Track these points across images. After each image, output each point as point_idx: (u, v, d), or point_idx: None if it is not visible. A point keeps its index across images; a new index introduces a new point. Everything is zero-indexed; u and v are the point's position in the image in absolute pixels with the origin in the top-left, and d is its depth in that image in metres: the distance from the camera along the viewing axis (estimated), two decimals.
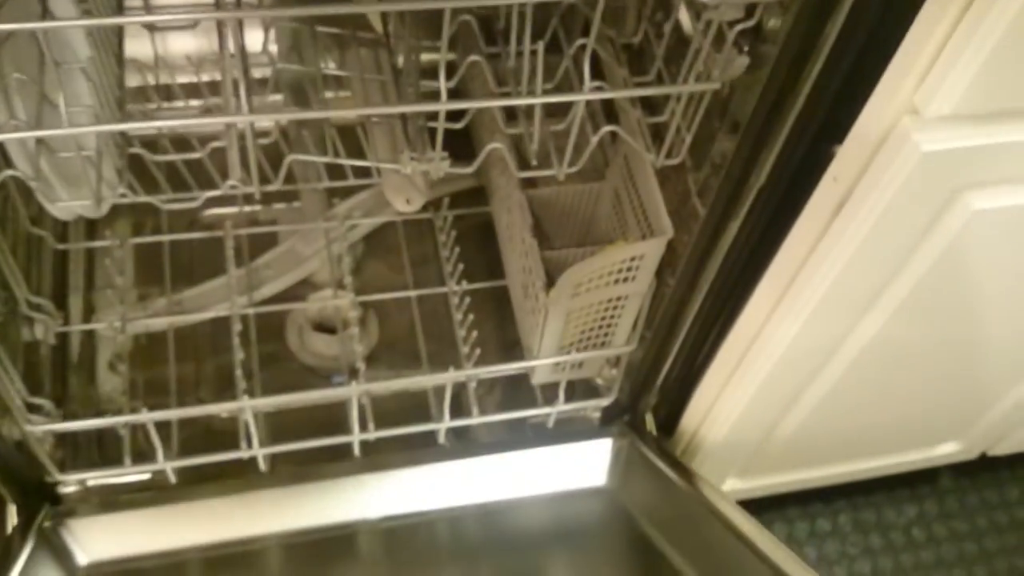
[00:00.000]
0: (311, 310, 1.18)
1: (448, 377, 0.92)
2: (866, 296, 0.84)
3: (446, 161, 0.74)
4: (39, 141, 0.71)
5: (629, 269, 0.92)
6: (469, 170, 0.77)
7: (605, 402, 1.10)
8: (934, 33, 0.61)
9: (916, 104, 0.65)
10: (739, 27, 0.68)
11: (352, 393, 0.92)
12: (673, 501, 0.99)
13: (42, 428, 0.87)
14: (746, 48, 0.72)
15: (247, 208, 1.22)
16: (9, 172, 0.80)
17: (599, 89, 0.70)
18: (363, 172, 1.15)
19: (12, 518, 0.95)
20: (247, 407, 0.88)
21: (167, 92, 1.09)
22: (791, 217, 0.79)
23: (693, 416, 1.07)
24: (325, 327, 1.18)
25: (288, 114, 0.80)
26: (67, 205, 0.92)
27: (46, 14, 0.75)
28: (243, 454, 0.95)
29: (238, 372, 0.98)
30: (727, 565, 0.91)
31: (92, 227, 1.17)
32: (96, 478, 0.95)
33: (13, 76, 0.69)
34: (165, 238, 1.16)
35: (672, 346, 0.99)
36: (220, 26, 0.71)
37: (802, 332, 0.89)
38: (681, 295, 0.93)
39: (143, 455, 0.97)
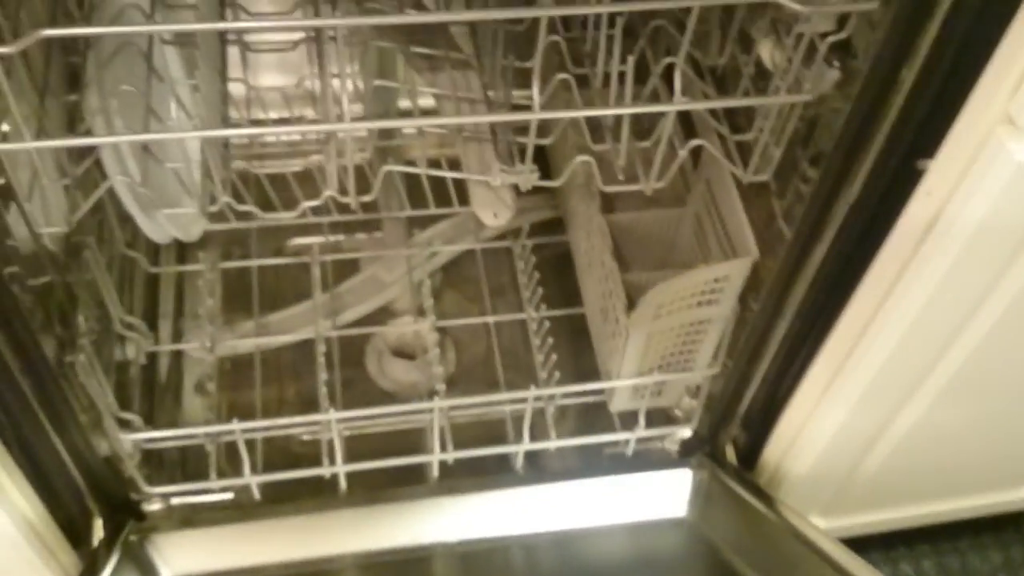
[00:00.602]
0: (390, 336, 1.20)
1: (528, 395, 0.92)
2: (959, 317, 0.82)
3: (535, 173, 0.75)
4: (144, 150, 0.74)
5: (712, 292, 0.91)
6: (557, 183, 0.77)
7: (685, 432, 1.09)
8: None
9: (1011, 113, 0.64)
10: (830, 39, 0.69)
11: (434, 407, 0.92)
12: (757, 530, 0.97)
13: (132, 437, 0.90)
14: (836, 63, 0.72)
15: (331, 238, 1.25)
16: (114, 181, 0.83)
17: (688, 102, 0.70)
18: (444, 201, 1.18)
19: (98, 532, 0.96)
20: (332, 419, 0.89)
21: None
22: (881, 236, 0.78)
23: (776, 448, 1.05)
24: (404, 353, 1.20)
25: (386, 123, 0.82)
26: (162, 228, 0.96)
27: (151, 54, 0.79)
28: (325, 470, 0.96)
29: (323, 389, 0.99)
30: None
31: (183, 252, 1.21)
32: (182, 493, 0.97)
33: (122, 88, 0.71)
34: (253, 263, 1.20)
35: (755, 375, 0.98)
36: (318, 43, 0.74)
37: (892, 357, 0.87)
38: (765, 321, 0.92)
39: (226, 476, 0.99)
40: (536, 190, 1.25)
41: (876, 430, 1.00)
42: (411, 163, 1.19)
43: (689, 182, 1.05)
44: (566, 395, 1.06)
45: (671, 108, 0.70)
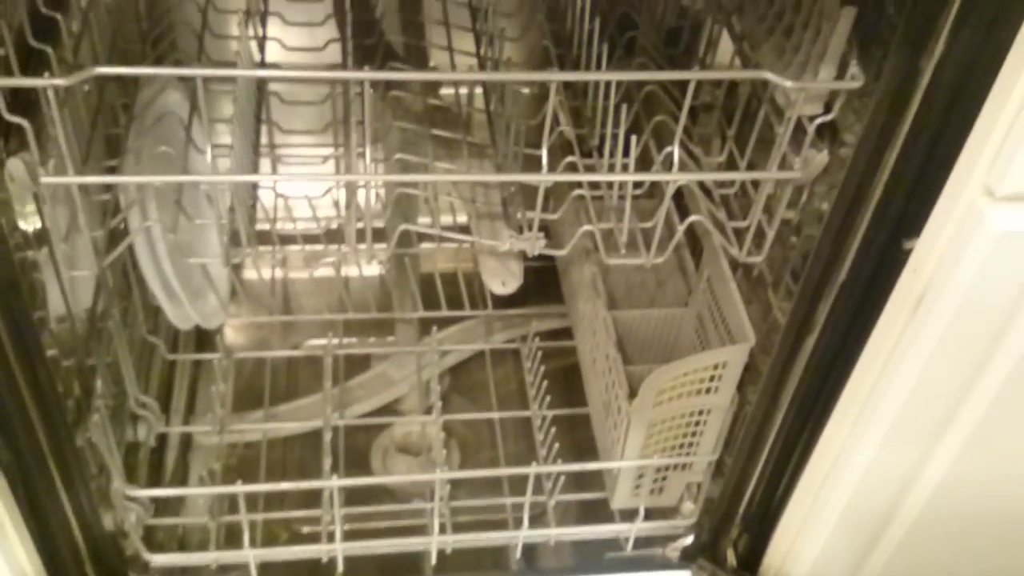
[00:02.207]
0: (397, 434, 1.22)
1: (529, 471, 0.93)
2: (949, 406, 0.84)
3: (541, 240, 0.79)
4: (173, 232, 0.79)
5: (712, 379, 0.94)
6: (562, 252, 0.82)
7: (686, 540, 1.08)
8: (1001, 115, 0.65)
9: (989, 185, 0.68)
10: (818, 121, 0.74)
11: (435, 478, 0.93)
12: None
13: (137, 493, 0.90)
14: (824, 146, 0.77)
15: (344, 339, 1.29)
16: (143, 267, 0.89)
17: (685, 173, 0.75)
18: (456, 306, 1.23)
19: None
20: (333, 486, 0.90)
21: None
22: (872, 317, 0.81)
23: (777, 551, 1.04)
24: (409, 451, 1.21)
25: (404, 176, 0.87)
26: (186, 314, 1.00)
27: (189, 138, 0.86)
28: (323, 548, 0.96)
29: (327, 465, 1.00)
30: None
31: (201, 342, 1.24)
32: (183, 563, 0.97)
33: (160, 149, 0.77)
34: (268, 354, 1.23)
35: (753, 471, 0.99)
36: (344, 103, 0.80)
37: (883, 448, 0.88)
38: (763, 411, 0.94)
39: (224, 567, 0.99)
40: (545, 297, 1.30)
41: (872, 533, 0.99)
42: (428, 275, 1.25)
43: (691, 284, 1.09)
44: (567, 490, 1.07)
45: (670, 178, 0.75)
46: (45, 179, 0.68)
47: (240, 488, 0.89)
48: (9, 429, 0.80)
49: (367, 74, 0.65)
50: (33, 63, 0.76)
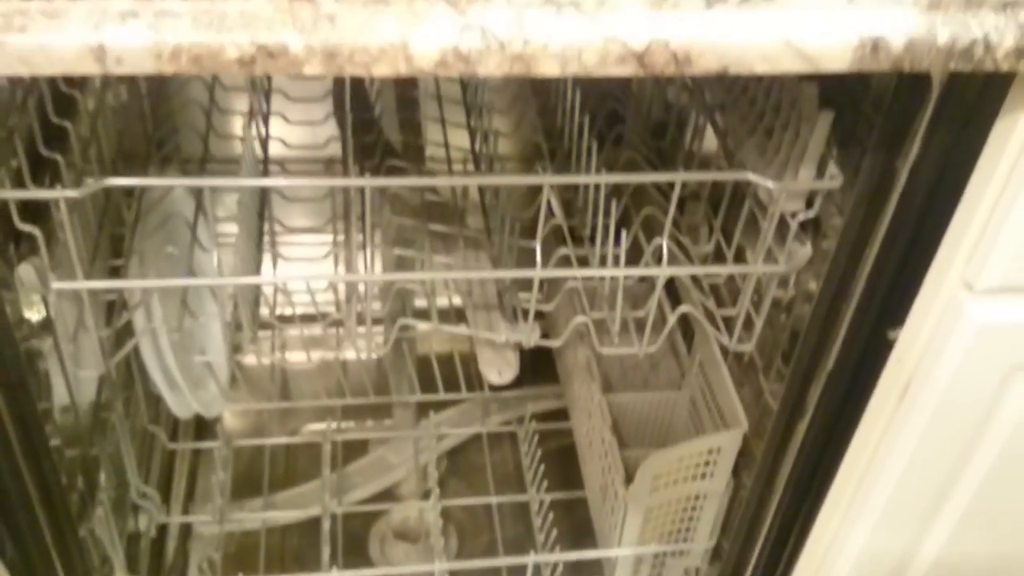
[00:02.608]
0: (395, 520, 1.22)
1: (528, 560, 0.94)
2: (936, 492, 0.86)
3: (536, 331, 0.81)
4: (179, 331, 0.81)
5: (707, 464, 0.95)
6: (557, 343, 0.84)
7: None
8: (977, 212, 0.68)
9: (968, 279, 0.71)
10: (800, 217, 0.77)
11: (435, 569, 0.94)
12: None
13: None
14: (807, 240, 0.80)
15: (343, 424, 1.30)
16: (147, 362, 0.90)
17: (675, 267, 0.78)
18: (453, 388, 1.24)
19: None
20: None
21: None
22: (860, 404, 0.83)
23: None
24: (407, 538, 1.21)
25: (401, 275, 0.89)
26: (187, 404, 1.02)
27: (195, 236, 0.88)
28: None
29: (325, 556, 1.01)
30: None
31: (201, 431, 1.26)
32: None
33: (166, 250, 0.80)
34: (267, 441, 1.24)
35: (751, 556, 0.99)
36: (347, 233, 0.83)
37: (875, 533, 0.89)
38: (759, 495, 0.95)
39: None
40: (541, 379, 1.32)
41: None
42: (425, 357, 1.27)
43: (684, 367, 1.11)
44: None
45: (659, 272, 0.78)
46: (56, 285, 0.70)
47: None
48: (14, 523, 0.81)
49: (368, 180, 0.68)
50: (42, 170, 0.79)
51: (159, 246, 0.83)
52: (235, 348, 0.95)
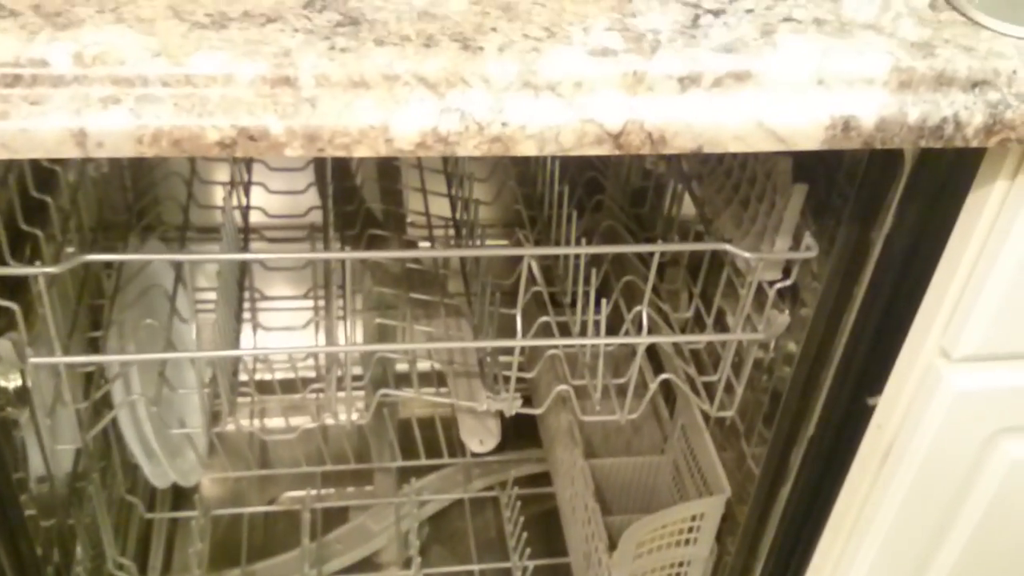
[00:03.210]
0: None
1: None
2: (919, 557, 0.86)
3: (518, 400, 0.81)
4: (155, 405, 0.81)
5: (691, 530, 0.95)
6: (539, 411, 0.84)
7: None
8: (952, 281, 0.69)
9: (945, 347, 0.72)
10: (777, 286, 0.78)
11: None
12: None
13: None
14: (785, 309, 0.81)
15: (323, 491, 1.28)
16: (126, 434, 0.89)
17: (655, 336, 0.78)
18: (434, 453, 1.23)
19: None
20: None
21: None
22: (842, 469, 0.83)
23: None
24: None
25: (381, 347, 0.89)
26: (165, 474, 1.01)
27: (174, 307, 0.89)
28: None
29: None
30: None
31: (178, 500, 1.24)
32: None
33: (145, 322, 0.79)
34: (245, 511, 1.23)
35: None
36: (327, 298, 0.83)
37: None
38: (743, 561, 0.95)
39: None
40: (524, 443, 1.31)
41: None
42: (406, 421, 1.27)
43: (666, 431, 1.11)
44: None
45: (640, 341, 0.78)
46: (33, 360, 0.70)
47: None
48: None
49: (348, 253, 0.69)
50: (22, 244, 0.79)
51: (138, 318, 0.83)
52: (214, 418, 0.95)
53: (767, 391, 0.91)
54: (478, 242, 0.92)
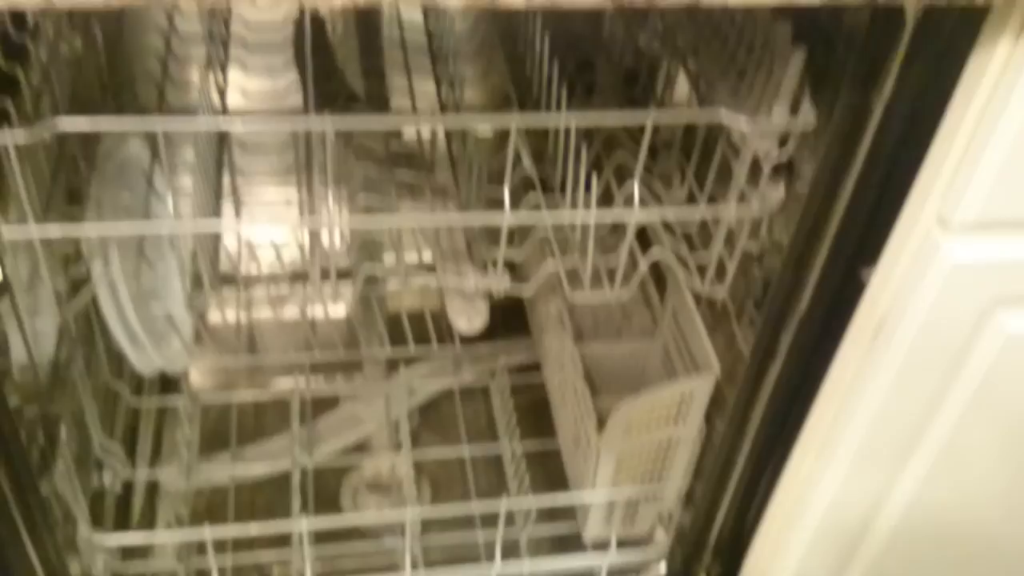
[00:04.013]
0: (367, 473, 1.21)
1: (500, 505, 0.94)
2: (910, 434, 0.86)
3: (507, 278, 0.80)
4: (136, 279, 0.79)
5: (679, 410, 0.95)
6: (528, 291, 0.83)
7: (658, 569, 1.09)
8: (952, 147, 0.67)
9: (943, 216, 0.70)
10: (774, 158, 0.76)
11: (407, 515, 0.93)
12: None
13: (106, 539, 0.90)
14: (781, 182, 0.79)
15: (312, 380, 1.28)
16: (106, 313, 0.88)
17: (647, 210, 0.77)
18: (424, 342, 1.23)
19: None
20: (303, 527, 0.90)
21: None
22: (832, 346, 0.83)
23: (753, 571, 1.04)
24: (380, 491, 1.21)
25: (366, 218, 0.87)
26: (150, 359, 1.00)
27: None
28: None
29: (296, 507, 0.99)
30: None
31: (166, 382, 1.23)
32: None
33: (122, 197, 0.77)
34: (234, 396, 1.22)
35: (723, 499, 0.99)
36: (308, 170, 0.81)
37: (849, 474, 0.89)
38: (731, 440, 0.95)
39: None
40: (513, 333, 1.31)
41: (842, 558, 1.00)
42: (395, 315, 1.26)
43: (656, 316, 1.10)
44: (539, 524, 1.07)
45: (631, 215, 0.76)
46: (7, 232, 0.68)
47: (208, 532, 0.88)
48: None
49: (329, 121, 0.66)
50: None
51: (115, 195, 0.81)
52: (199, 308, 0.93)
53: (757, 279, 0.90)
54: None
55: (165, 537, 0.99)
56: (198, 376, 1.30)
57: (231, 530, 0.95)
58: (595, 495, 0.98)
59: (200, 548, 1.09)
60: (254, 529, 0.95)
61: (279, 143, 1.03)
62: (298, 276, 1.19)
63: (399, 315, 1.22)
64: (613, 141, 0.91)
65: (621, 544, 1.06)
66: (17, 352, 0.86)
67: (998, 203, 0.69)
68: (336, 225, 0.82)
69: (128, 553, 1.07)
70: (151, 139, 0.91)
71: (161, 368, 1.04)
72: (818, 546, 0.97)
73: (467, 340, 1.28)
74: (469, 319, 0.86)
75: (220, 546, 1.08)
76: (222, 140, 0.95)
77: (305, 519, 0.91)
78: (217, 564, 0.92)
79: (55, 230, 0.69)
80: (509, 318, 1.33)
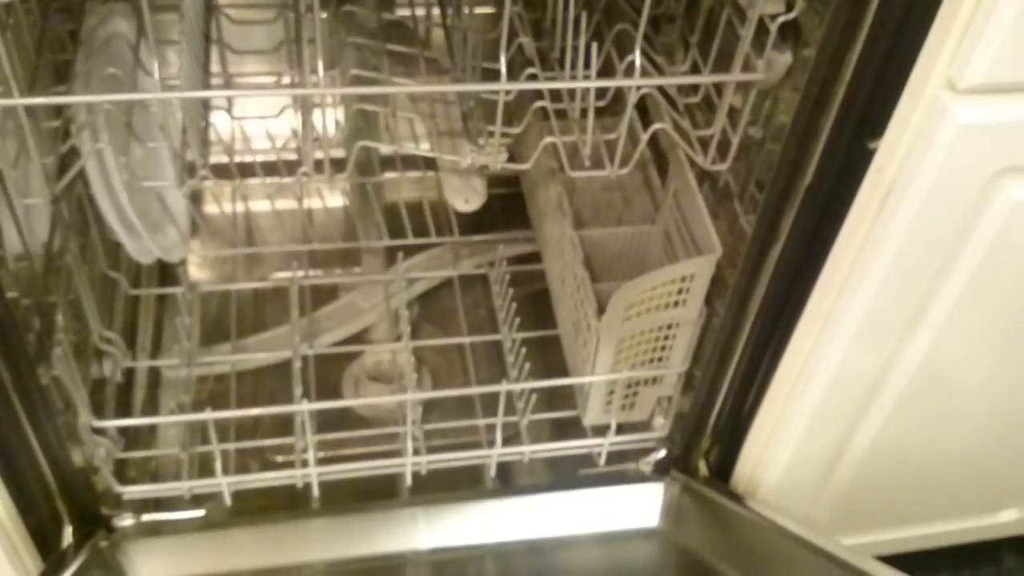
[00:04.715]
0: (368, 363, 1.21)
1: (500, 388, 0.94)
2: (914, 306, 0.85)
3: (504, 153, 0.78)
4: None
5: (680, 292, 0.94)
6: (526, 166, 0.81)
7: (659, 453, 1.09)
8: (962, 7, 0.65)
9: (952, 77, 0.68)
10: (780, 19, 0.73)
11: (407, 399, 0.93)
12: (731, 530, 0.97)
13: (107, 424, 0.90)
14: (788, 50, 0.76)
15: (311, 272, 1.27)
16: (99, 198, 0.86)
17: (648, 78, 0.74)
18: (422, 234, 1.22)
19: (67, 538, 0.96)
20: (304, 410, 0.90)
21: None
22: (837, 221, 0.81)
23: (747, 460, 1.05)
24: (381, 380, 1.21)
25: (358, 89, 0.85)
26: (146, 248, 0.99)
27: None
28: (297, 473, 0.96)
29: (297, 392, 0.99)
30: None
31: (164, 274, 1.23)
32: (155, 494, 0.96)
33: (108, 71, 0.75)
34: (233, 287, 1.22)
35: (723, 382, 0.99)
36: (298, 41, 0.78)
37: (850, 352, 0.89)
38: (731, 322, 0.94)
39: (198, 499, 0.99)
40: (513, 224, 1.30)
41: (842, 436, 1.01)
42: (392, 205, 1.24)
43: (658, 201, 1.09)
44: (539, 411, 1.07)
45: (632, 83, 0.74)
46: None
47: (209, 415, 0.89)
48: None
49: None
50: None
51: (102, 68, 0.78)
52: (191, 192, 0.92)
53: (759, 161, 0.88)
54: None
55: (165, 420, 0.99)
56: (196, 269, 1.29)
57: (233, 414, 0.95)
58: (595, 378, 0.97)
59: (203, 436, 1.10)
60: (255, 412, 0.94)
61: (267, 17, 0.99)
62: (293, 165, 1.18)
63: (397, 206, 1.20)
64: (613, 12, 0.88)
65: (620, 429, 1.06)
66: (11, 241, 0.85)
67: (1007, 66, 0.67)
68: (328, 98, 0.80)
69: (131, 442, 1.07)
70: (137, 16, 0.88)
71: (158, 257, 1.03)
72: (818, 425, 0.98)
73: (466, 230, 1.28)
74: (466, 199, 0.84)
75: (223, 433, 1.09)
76: (209, 13, 0.91)
77: (307, 402, 0.91)
78: (220, 449, 0.92)
79: (40, 99, 0.67)
80: (508, 209, 1.32)
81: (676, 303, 0.95)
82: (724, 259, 0.95)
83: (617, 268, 1.11)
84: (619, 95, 0.82)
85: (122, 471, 1.03)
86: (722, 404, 1.01)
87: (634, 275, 1.11)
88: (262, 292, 1.27)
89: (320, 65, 0.72)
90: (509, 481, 1.09)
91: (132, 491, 0.95)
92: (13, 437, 0.86)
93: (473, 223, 1.25)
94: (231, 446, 1.05)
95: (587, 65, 0.80)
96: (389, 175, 1.25)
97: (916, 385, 0.94)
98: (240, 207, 1.32)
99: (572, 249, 1.02)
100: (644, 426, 1.09)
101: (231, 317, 1.21)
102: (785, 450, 1.01)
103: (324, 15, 0.92)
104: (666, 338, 0.98)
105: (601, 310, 0.95)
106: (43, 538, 0.93)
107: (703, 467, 1.08)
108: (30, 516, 0.91)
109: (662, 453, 1.10)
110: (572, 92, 0.81)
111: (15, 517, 0.89)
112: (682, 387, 1.05)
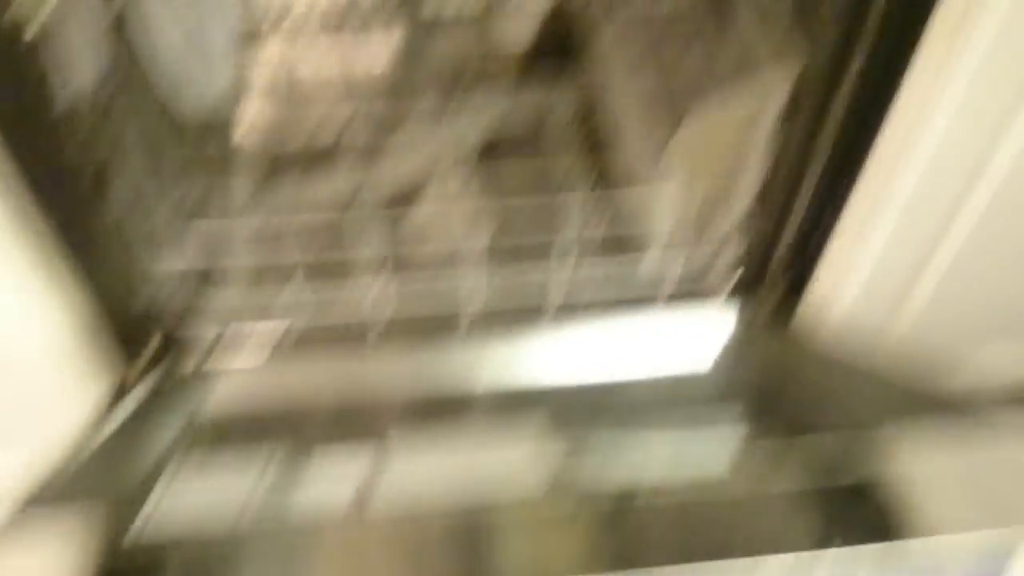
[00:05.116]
0: (425, 212, 1.19)
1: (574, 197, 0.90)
2: (991, 131, 0.81)
3: None
4: None
5: (752, 117, 0.90)
6: None
7: (730, 275, 1.06)
8: None
9: None
10: None
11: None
12: (798, 361, 0.96)
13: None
14: None
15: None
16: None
17: None
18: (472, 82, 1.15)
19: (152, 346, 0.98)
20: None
21: None
22: (919, 25, 0.77)
23: (823, 282, 1.02)
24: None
25: None
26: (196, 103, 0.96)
27: None
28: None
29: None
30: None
31: (215, 135, 1.20)
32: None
33: None
34: (282, 148, 1.19)
35: (796, 200, 0.96)
36: None
37: (925, 177, 0.86)
38: (806, 137, 0.90)
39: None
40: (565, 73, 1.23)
41: (913, 267, 0.98)
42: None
43: (727, 23, 1.03)
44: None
45: None
46: None
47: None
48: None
49: None
50: None
51: None
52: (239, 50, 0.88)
53: None
54: None
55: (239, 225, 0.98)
56: (245, 127, 1.27)
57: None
58: (666, 193, 0.94)
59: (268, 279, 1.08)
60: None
61: None
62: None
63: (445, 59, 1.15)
64: None
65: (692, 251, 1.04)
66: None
67: None
68: None
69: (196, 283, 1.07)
70: None
71: (207, 111, 1.01)
72: (895, 246, 0.94)
73: (518, 80, 1.23)
74: (515, 34, 0.80)
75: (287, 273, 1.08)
76: None
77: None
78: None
79: None
80: (561, 55, 1.26)
81: (748, 126, 0.91)
82: (798, 81, 0.90)
83: (688, 92, 1.06)
84: None
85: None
86: (795, 234, 0.98)
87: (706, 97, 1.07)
88: (312, 149, 1.24)
89: None
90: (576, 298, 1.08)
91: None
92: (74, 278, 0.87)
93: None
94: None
95: None
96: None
97: (1000, 199, 0.91)
98: (286, 66, 1.29)
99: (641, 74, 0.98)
100: (717, 245, 1.06)
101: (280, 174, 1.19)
102: (862, 271, 0.97)
103: None
104: (740, 152, 0.94)
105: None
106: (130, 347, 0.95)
107: (776, 289, 1.05)
108: (119, 323, 0.92)
109: (737, 273, 1.07)
110: None
111: (106, 320, 0.90)
112: (755, 212, 1.02)
